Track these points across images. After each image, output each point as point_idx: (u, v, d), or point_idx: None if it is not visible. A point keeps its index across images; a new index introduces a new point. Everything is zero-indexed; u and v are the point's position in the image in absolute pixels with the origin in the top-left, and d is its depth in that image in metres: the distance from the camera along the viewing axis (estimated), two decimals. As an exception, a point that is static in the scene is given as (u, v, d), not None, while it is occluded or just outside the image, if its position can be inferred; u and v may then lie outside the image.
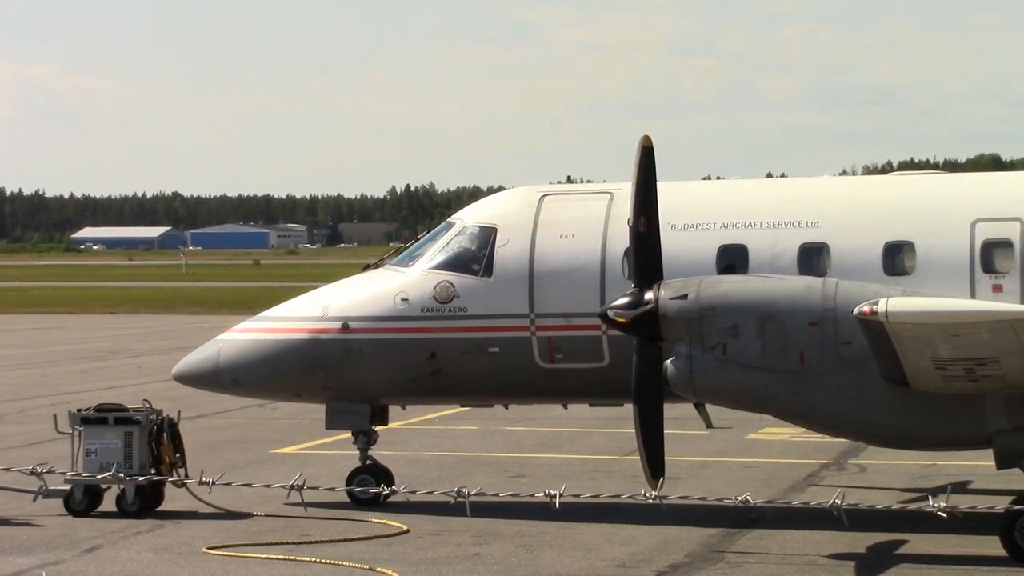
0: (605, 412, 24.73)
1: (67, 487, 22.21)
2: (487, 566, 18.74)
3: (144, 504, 22.28)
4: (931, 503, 12.94)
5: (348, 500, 22.50)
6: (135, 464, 22.12)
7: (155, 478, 20.41)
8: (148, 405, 22.87)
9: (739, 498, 13.21)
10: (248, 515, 22.03)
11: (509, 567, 18.69)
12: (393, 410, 23.95)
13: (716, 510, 21.12)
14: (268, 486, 15.50)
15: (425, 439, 30.48)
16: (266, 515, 21.98)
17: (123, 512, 22.15)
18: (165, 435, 22.66)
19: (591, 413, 25.21)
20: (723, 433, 28.07)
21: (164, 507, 22.49)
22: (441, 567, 18.68)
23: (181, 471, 22.53)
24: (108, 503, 22.42)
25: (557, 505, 13.18)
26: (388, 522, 21.24)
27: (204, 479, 14.08)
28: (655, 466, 19.30)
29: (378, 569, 18.44)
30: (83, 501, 22.31)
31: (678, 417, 23.49)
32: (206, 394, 25.95)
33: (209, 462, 26.64)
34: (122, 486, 21.81)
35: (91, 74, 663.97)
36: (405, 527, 20.88)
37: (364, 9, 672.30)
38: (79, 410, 22.99)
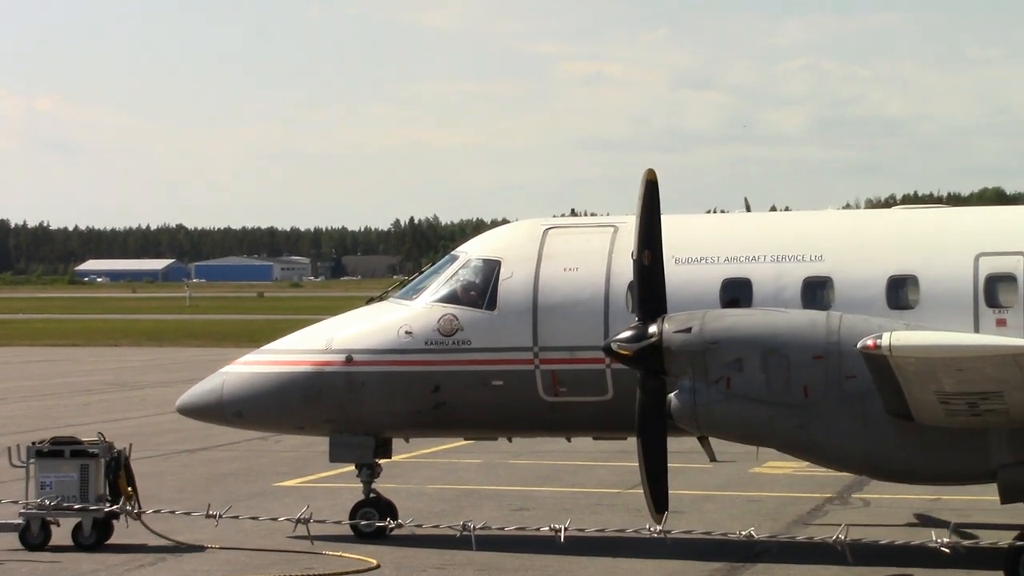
0: (609, 445, 24.72)
1: (21, 521, 22.01)
2: (490, 600, 18.69)
3: (99, 538, 22.14)
4: (934, 538, 12.89)
5: (349, 532, 22.47)
6: (91, 497, 22.00)
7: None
8: (102, 438, 22.82)
9: (743, 532, 13.15)
10: (201, 548, 21.89)
11: (512, 601, 18.64)
12: (397, 443, 23.93)
13: (720, 544, 21.07)
14: (275, 519, 15.47)
15: (428, 472, 30.44)
16: (220, 547, 21.85)
17: (79, 545, 21.99)
18: (122, 468, 22.54)
19: (595, 446, 25.22)
20: (727, 467, 28.02)
21: (114, 540, 22.32)
22: (444, 601, 18.62)
23: (133, 503, 22.26)
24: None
25: (563, 539, 13.16)
26: (357, 556, 21.04)
27: (211, 512, 14.04)
28: (659, 500, 19.26)
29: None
30: (39, 535, 22.10)
31: (682, 450, 23.46)
32: (210, 426, 25.92)
33: (214, 495, 26.64)
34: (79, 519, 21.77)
35: (95, 106, 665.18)
36: (375, 562, 20.73)
37: (367, 42, 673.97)
38: (33, 443, 22.88)
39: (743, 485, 28.14)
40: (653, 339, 19.26)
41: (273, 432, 26.51)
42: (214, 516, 13.98)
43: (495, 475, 29.97)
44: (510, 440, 24.17)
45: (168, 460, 33.04)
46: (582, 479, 29.27)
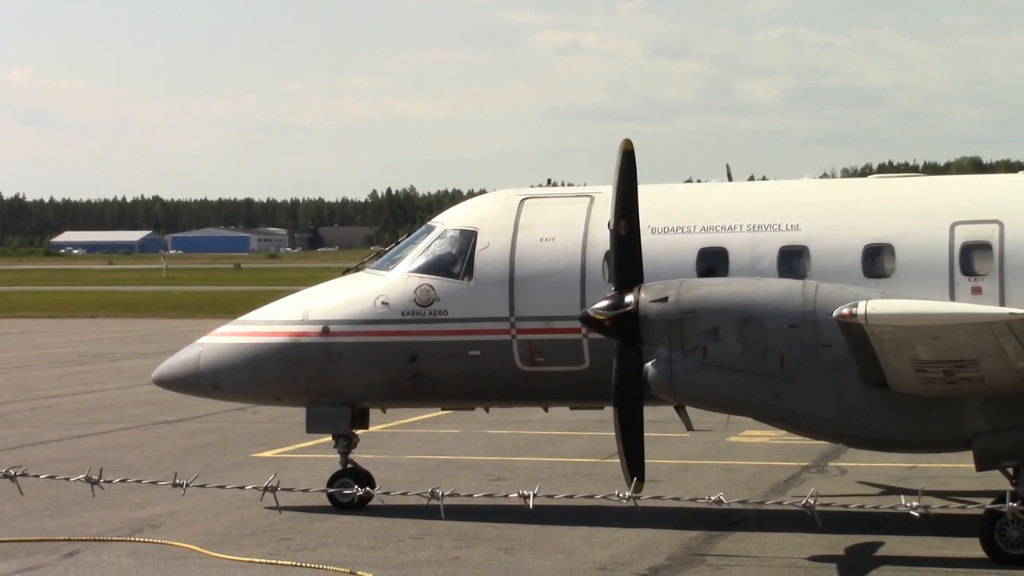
0: (586, 415, 24.73)
1: None
2: (467, 569, 18.73)
3: None
4: (904, 503, 12.94)
5: (327, 503, 22.50)
6: None
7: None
8: None
9: (712, 498, 13.21)
10: None
11: (489, 570, 18.69)
12: (374, 413, 23.94)
13: (697, 513, 21.14)
14: (242, 488, 15.47)
15: (406, 442, 30.46)
16: None
17: None
18: None
19: (572, 416, 25.25)
20: (704, 436, 28.08)
21: None
22: (421, 570, 18.66)
23: None
24: None
25: (531, 506, 13.18)
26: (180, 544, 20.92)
27: (177, 481, 14.03)
28: (635, 468, 19.27)
29: (359, 573, 18.42)
30: None
31: (659, 420, 23.49)
32: (187, 398, 25.88)
33: (189, 466, 26.65)
34: None
35: (70, 77, 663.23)
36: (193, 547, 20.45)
37: (344, 13, 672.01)
38: None
39: (720, 454, 28.21)
40: (629, 308, 19.28)
41: (250, 403, 26.44)
42: (181, 485, 13.97)
43: (472, 445, 30.00)
44: (487, 410, 24.18)
45: (145, 431, 33.02)
46: (559, 449, 29.32)
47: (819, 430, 19.35)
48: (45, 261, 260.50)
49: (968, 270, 20.76)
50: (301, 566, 18.90)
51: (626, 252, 19.52)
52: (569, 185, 29.77)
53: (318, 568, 18.76)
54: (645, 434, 19.58)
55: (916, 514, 12.93)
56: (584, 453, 28.44)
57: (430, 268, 22.55)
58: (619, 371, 19.50)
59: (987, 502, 18.15)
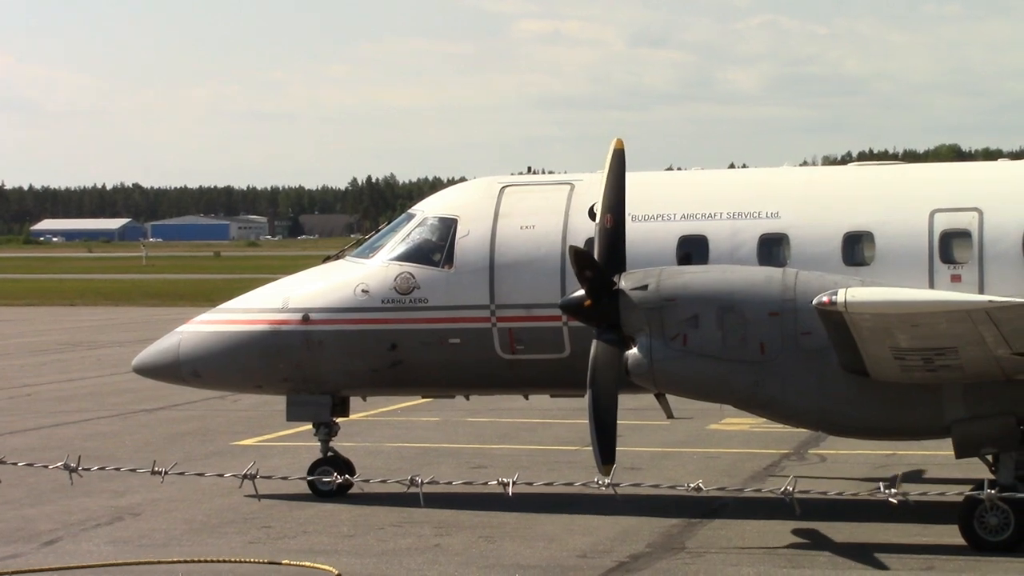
0: (566, 403, 24.73)
1: None
2: (448, 557, 18.73)
3: None
4: (882, 490, 12.96)
5: (307, 491, 22.48)
6: None
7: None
8: None
9: (692, 485, 13.21)
10: None
11: (470, 558, 18.68)
12: (354, 401, 23.92)
13: (677, 500, 21.15)
14: (222, 476, 15.44)
15: (386, 431, 30.44)
16: None
17: None
18: None
19: (552, 404, 25.24)
20: (684, 424, 28.10)
21: None
22: (402, 558, 18.65)
23: None
24: None
25: (511, 494, 13.18)
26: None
27: (156, 469, 13.98)
28: (607, 453, 19.23)
29: (318, 566, 18.13)
30: None
31: (639, 407, 23.50)
32: (167, 386, 25.84)
33: (169, 454, 26.61)
34: None
35: (50, 65, 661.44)
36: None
37: (326, 1, 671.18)
38: None
39: (700, 442, 28.24)
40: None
41: (230, 391, 26.46)
42: (160, 473, 13.92)
43: (453, 433, 29.99)
44: (467, 398, 24.18)
45: (125, 420, 32.96)
46: (539, 437, 29.32)
47: (799, 418, 19.38)
48: (24, 249, 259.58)
49: (947, 258, 20.79)
50: (260, 562, 18.63)
51: (608, 240, 19.53)
52: (550, 173, 29.78)
53: (270, 563, 18.47)
54: (626, 422, 19.57)
55: (895, 501, 12.93)
56: (564, 441, 28.45)
57: (410, 256, 22.53)
58: (596, 355, 19.45)
59: (966, 489, 18.15)
